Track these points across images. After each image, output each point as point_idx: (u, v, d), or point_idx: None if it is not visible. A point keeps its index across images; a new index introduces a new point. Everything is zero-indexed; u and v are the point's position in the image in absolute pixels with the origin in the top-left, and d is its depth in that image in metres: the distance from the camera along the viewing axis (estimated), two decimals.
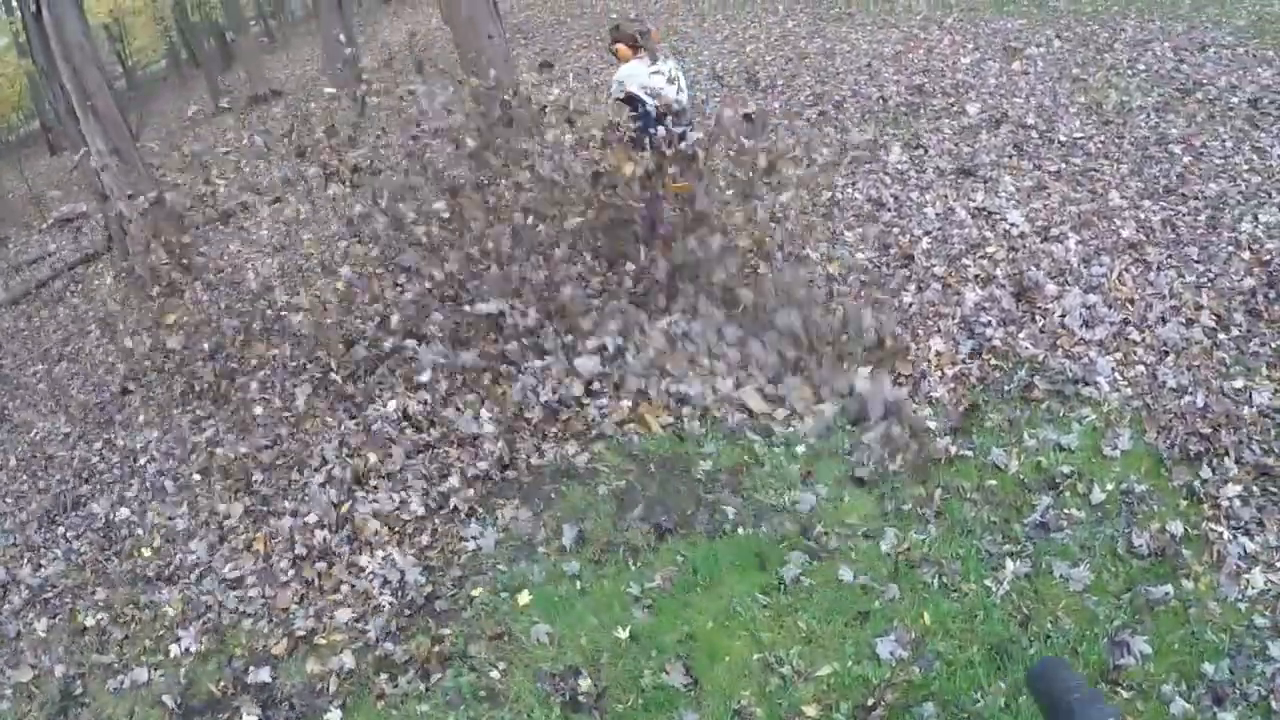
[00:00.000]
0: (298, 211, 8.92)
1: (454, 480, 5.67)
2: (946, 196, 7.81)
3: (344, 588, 5.18)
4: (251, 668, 4.88)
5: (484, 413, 6.08)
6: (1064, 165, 8.17)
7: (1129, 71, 10.40)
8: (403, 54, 17.80)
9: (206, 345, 7.22)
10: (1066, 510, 4.67)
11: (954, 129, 9.28)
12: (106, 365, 9.01)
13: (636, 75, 7.03)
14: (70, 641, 5.53)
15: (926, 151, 8.73)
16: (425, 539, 5.35)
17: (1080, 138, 8.73)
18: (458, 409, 6.16)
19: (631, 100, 7.08)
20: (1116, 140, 8.58)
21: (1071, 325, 5.93)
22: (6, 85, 27.79)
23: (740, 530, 4.93)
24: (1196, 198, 7.26)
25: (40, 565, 6.29)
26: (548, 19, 19.89)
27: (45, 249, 15.46)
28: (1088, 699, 2.28)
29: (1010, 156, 8.45)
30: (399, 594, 5.04)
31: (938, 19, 14.04)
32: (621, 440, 5.77)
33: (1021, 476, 4.93)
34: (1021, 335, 5.94)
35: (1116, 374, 5.51)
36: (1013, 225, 7.16)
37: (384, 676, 4.58)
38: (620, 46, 7.23)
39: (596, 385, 6.10)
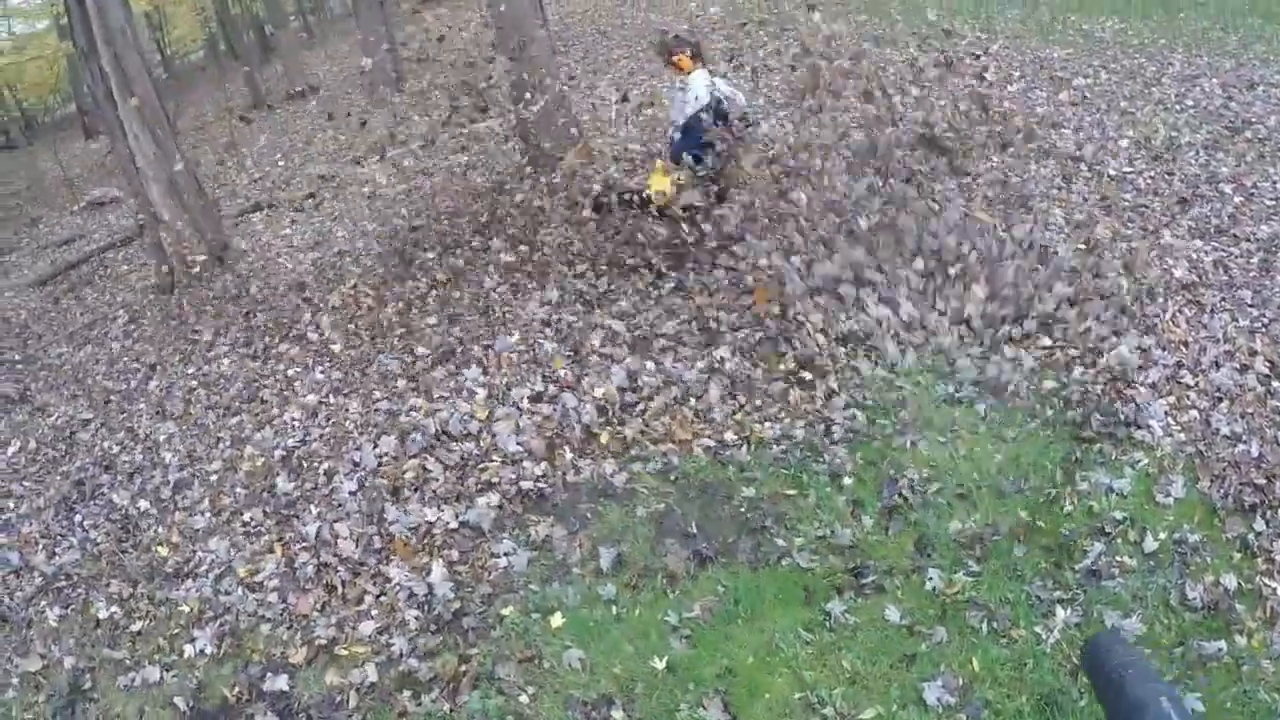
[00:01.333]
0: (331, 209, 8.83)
1: (490, 495, 5.52)
2: (995, 227, 7.64)
3: (367, 598, 5.04)
4: (268, 674, 4.75)
5: (525, 422, 5.96)
6: (1114, 200, 8.00)
7: (1177, 107, 10.24)
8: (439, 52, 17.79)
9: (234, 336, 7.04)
10: (1119, 558, 4.51)
11: (1000, 159, 9.12)
12: (132, 353, 8.87)
13: (705, 85, 7.21)
14: (82, 633, 5.40)
15: (975, 179, 8.56)
16: (455, 553, 5.20)
17: (1130, 172, 8.58)
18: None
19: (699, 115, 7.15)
20: (1166, 177, 8.43)
21: (1124, 365, 5.75)
22: (45, 67, 27.81)
23: (784, 561, 4.77)
24: (1249, 239, 7.11)
25: (55, 553, 6.14)
26: (588, 29, 19.75)
27: (76, 231, 15.41)
28: (1142, 675, 2.12)
29: (1059, 189, 8.27)
30: (425, 608, 4.90)
31: (983, 42, 13.87)
32: (660, 462, 5.62)
33: (1073, 520, 4.76)
34: (1075, 373, 5.76)
35: (1169, 418, 5.34)
36: (1064, 259, 6.99)
37: (407, 694, 4.44)
38: (682, 58, 7.34)
39: (635, 401, 5.99)
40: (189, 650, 5.02)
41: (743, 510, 5.18)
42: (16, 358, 9.86)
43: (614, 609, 4.69)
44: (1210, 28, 13.38)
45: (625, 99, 11.87)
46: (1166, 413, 5.37)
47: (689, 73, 7.32)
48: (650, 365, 6.42)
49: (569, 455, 5.77)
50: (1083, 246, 7.00)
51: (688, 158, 7.35)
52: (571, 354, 6.74)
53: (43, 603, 5.72)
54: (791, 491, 5.23)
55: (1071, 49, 13.14)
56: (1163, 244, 7.16)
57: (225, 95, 20.75)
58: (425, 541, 5.30)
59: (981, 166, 8.74)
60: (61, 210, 17.58)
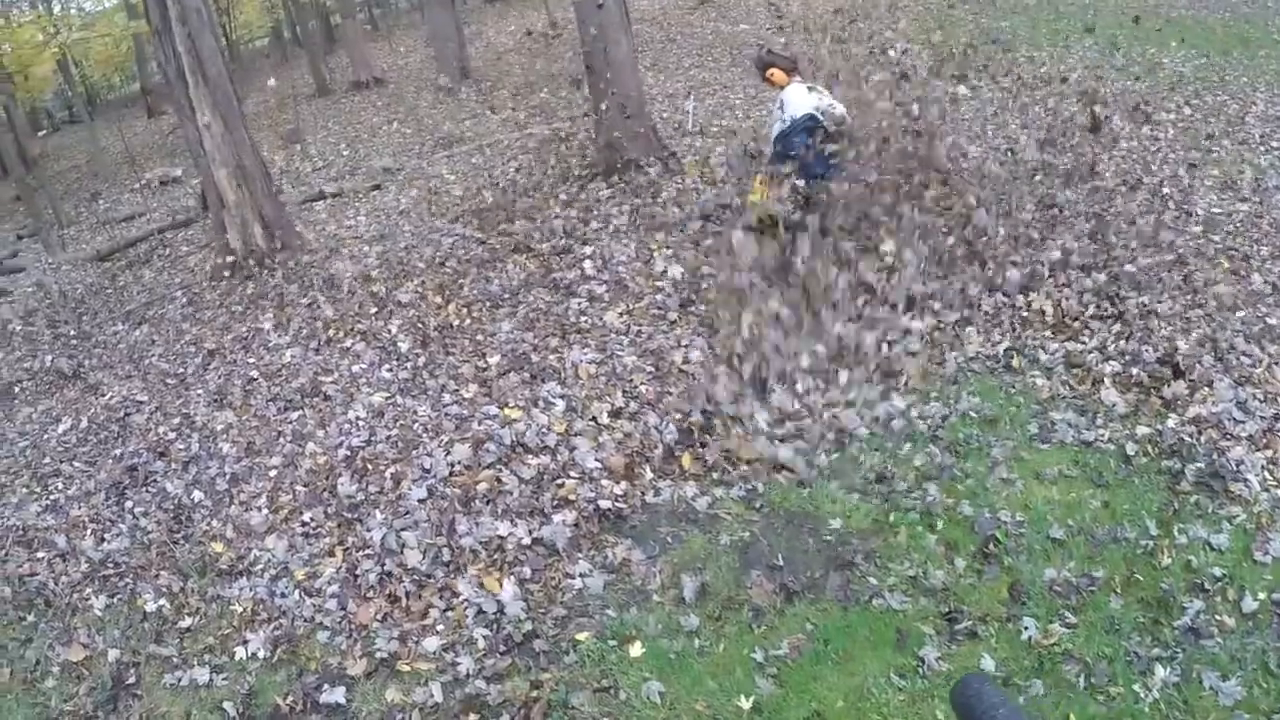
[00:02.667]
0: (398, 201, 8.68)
1: (566, 512, 5.32)
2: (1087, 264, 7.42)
3: (433, 612, 4.84)
4: (325, 685, 4.54)
5: (604, 438, 5.78)
6: (1202, 241, 7.74)
7: (1262, 148, 10.02)
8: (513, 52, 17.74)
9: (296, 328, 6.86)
10: (1217, 616, 4.26)
11: (1088, 189, 8.87)
12: (189, 336, 8.73)
13: (802, 99, 7.10)
14: (128, 625, 5.20)
15: (1061, 211, 8.32)
16: (527, 570, 4.99)
17: (1218, 214, 8.32)
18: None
19: (795, 129, 7.04)
20: (1255, 220, 8.20)
21: (1221, 416, 5.49)
22: (112, 45, 28.05)
23: (875, 601, 4.56)
24: None
25: (104, 539, 5.96)
26: (657, 35, 19.63)
27: (136, 208, 15.37)
28: (1009, 715, 2.01)
29: (1153, 227, 8.01)
30: (495, 627, 4.69)
31: (1060, 74, 13.61)
32: (744, 488, 5.44)
33: (1171, 574, 4.52)
34: (1170, 422, 5.52)
35: (1266, 473, 5.08)
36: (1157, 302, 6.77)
37: (474, 718, 4.22)
38: (776, 72, 7.31)
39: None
40: (240, 653, 4.82)
41: (831, 543, 4.98)
42: (71, 333, 9.78)
43: (696, 641, 4.48)
44: None
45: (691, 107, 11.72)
46: (1264, 466, 5.12)
47: (783, 87, 7.26)
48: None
49: (649, 475, 5.59)
50: (1180, 285, 6.77)
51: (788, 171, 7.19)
52: (653, 369, 6.58)
53: (88, 590, 5.53)
54: (881, 528, 5.03)
55: (1152, 82, 12.88)
56: (1253, 289, 6.91)
57: (290, 83, 20.69)
58: (497, 557, 5.10)
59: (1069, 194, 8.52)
60: (122, 187, 17.58)
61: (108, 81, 35.48)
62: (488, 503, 5.46)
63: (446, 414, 6.37)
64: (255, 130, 18.30)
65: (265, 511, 5.85)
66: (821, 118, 7.06)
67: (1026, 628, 4.28)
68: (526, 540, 5.15)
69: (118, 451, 6.97)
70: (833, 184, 7.26)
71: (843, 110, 7.21)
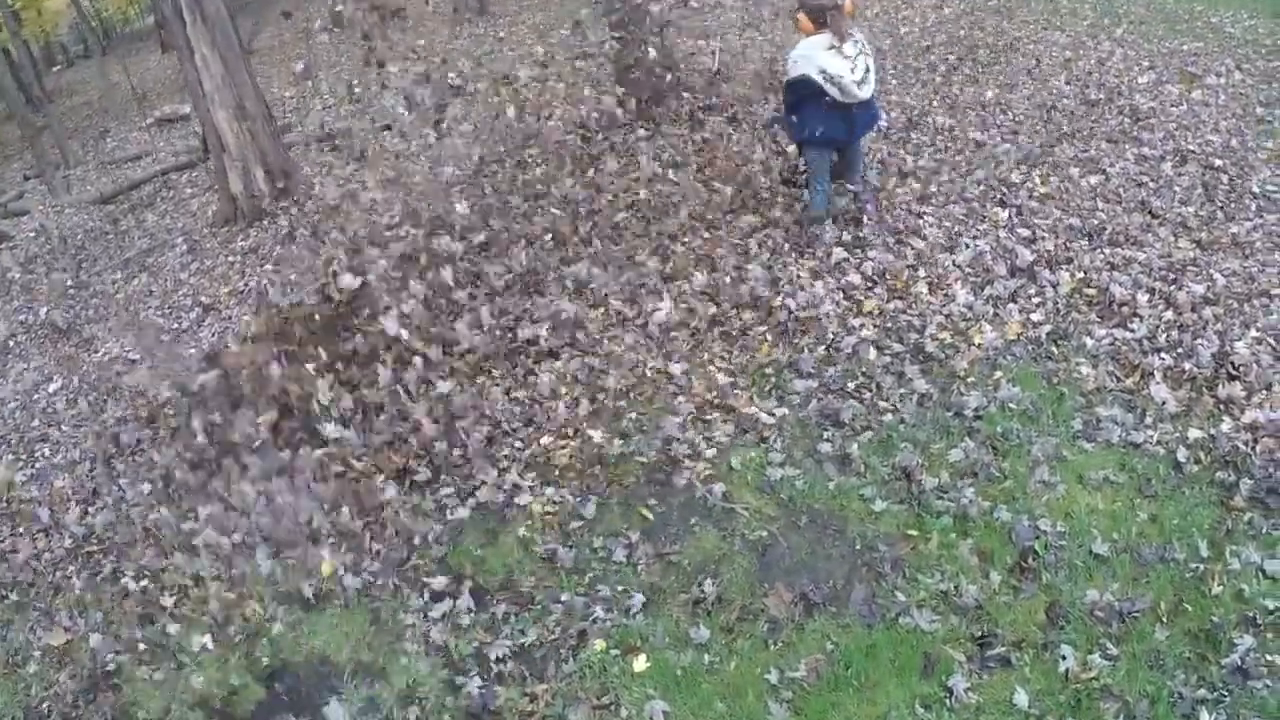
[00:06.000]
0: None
1: None
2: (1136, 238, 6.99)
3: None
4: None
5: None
6: (1259, 220, 7.29)
7: None
8: None
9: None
10: (1268, 655, 3.89)
11: (1135, 156, 8.41)
12: (187, 287, 8.39)
13: (813, 54, 6.27)
14: (111, 609, 4.96)
15: (1108, 179, 7.88)
16: None
17: (1274, 191, 7.82)
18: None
19: (794, 89, 6.40)
20: None
21: (1278, 424, 5.07)
22: None
23: (901, 620, 4.21)
24: None
25: (88, 513, 5.68)
26: None
27: (144, 148, 14.99)
28: None
29: (1200, 203, 7.56)
30: None
31: (1106, 27, 13.07)
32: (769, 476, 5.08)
33: (1221, 604, 4.15)
34: (1224, 427, 5.11)
35: None
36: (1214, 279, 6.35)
37: None
38: (802, 16, 6.36)
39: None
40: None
41: (857, 549, 4.62)
42: (69, 282, 9.46)
43: (706, 656, 4.16)
44: None
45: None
46: None
47: (807, 35, 6.38)
48: None
49: None
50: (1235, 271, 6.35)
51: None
52: None
53: (70, 568, 5.28)
54: (912, 532, 4.66)
55: (1201, 42, 12.31)
56: None
57: (305, 15, 20.11)
58: None
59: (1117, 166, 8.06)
60: (131, 125, 17.17)
61: (123, 15, 34.83)
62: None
63: None
64: (269, 66, 17.91)
65: None
66: (825, 84, 6.26)
67: (1064, 657, 3.94)
68: None
69: (107, 415, 6.65)
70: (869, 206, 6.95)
71: (856, 83, 6.27)
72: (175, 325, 7.75)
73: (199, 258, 9.05)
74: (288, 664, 4.49)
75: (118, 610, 4.94)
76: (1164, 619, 4.09)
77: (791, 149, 6.69)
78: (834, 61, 6.21)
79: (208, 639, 4.64)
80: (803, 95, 6.42)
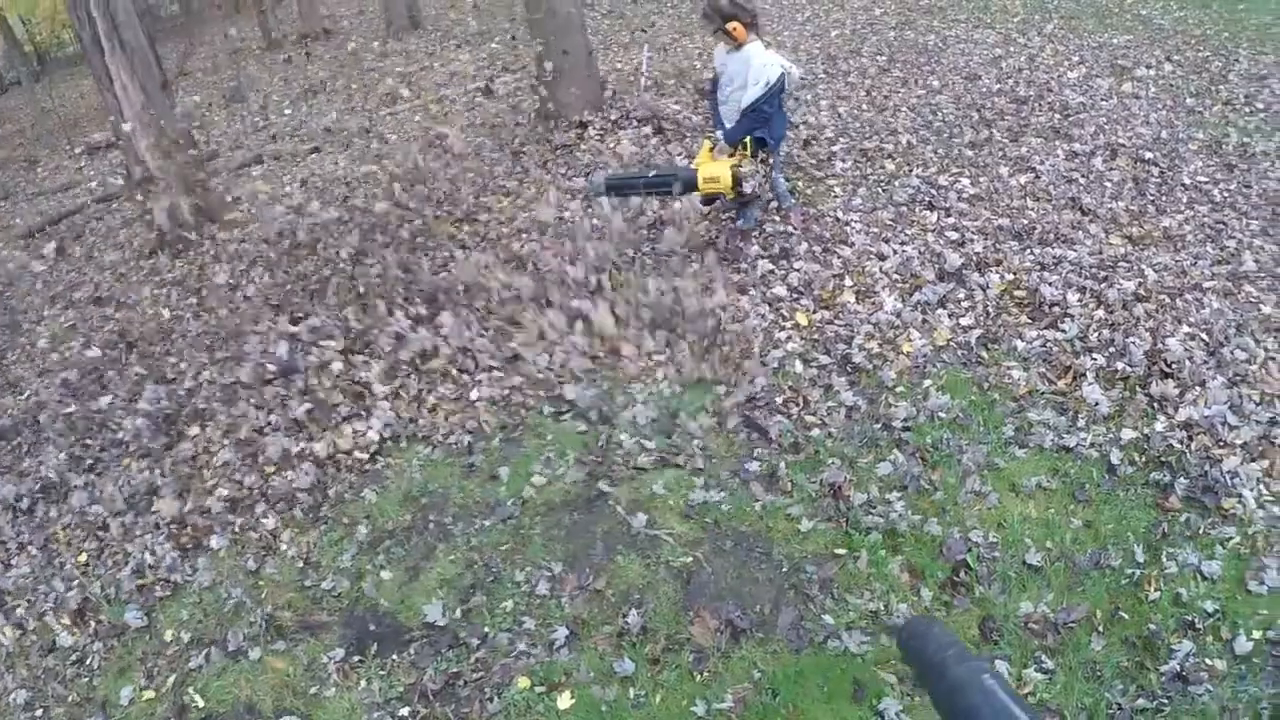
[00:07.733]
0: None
1: None
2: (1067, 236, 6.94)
3: None
4: None
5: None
6: (1190, 212, 7.28)
7: (1246, 109, 9.52)
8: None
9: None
10: (1207, 660, 3.85)
11: (1065, 152, 8.40)
12: (114, 322, 8.12)
13: (769, 56, 6.45)
14: (38, 663, 4.76)
15: (1038, 177, 7.85)
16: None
17: (1204, 182, 7.84)
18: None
19: (771, 93, 6.45)
20: (1244, 190, 7.71)
21: (1213, 420, 5.03)
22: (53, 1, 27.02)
23: (830, 643, 4.10)
24: None
25: (11, 565, 5.48)
26: None
27: (73, 178, 14.64)
28: (961, 655, 2.13)
29: (1131, 197, 7.54)
30: None
31: (1036, 24, 13.14)
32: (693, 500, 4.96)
33: (1159, 609, 4.09)
34: (1158, 426, 5.06)
35: (1262, 486, 4.63)
36: (1145, 275, 6.32)
37: None
38: (738, 25, 6.37)
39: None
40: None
41: (784, 571, 4.51)
42: None
43: (631, 690, 4.03)
44: (1273, 23, 12.58)
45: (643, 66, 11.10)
46: (1259, 480, 4.66)
47: (742, 44, 6.43)
48: None
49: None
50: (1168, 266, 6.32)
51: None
52: None
53: None
54: (841, 551, 4.55)
55: (1130, 35, 12.38)
56: (1244, 270, 6.45)
57: (237, 36, 19.86)
58: None
59: (1047, 163, 8.03)
60: (63, 153, 16.81)
61: (57, 39, 34.26)
62: None
63: None
64: (199, 89, 17.64)
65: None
66: (788, 81, 6.47)
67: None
68: None
69: (28, 463, 6.41)
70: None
71: (799, 73, 6.89)
72: (99, 367, 7.45)
73: (127, 288, 8.78)
74: (213, 715, 4.33)
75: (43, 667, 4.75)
76: (1100, 628, 4.03)
77: (747, 168, 6.57)
78: (780, 56, 6.47)
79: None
80: (772, 96, 6.44)
